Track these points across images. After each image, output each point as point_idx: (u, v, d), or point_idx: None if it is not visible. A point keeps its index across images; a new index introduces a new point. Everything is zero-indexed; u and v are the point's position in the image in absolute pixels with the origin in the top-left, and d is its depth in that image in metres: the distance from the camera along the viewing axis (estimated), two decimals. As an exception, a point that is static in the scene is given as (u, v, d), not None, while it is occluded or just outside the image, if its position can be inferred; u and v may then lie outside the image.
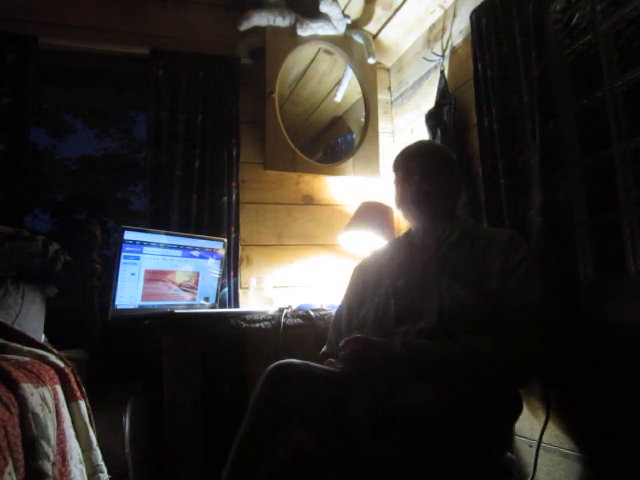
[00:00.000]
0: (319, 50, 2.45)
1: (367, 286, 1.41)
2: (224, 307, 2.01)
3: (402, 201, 1.38)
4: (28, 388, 1.05)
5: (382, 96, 2.54)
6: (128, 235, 1.70)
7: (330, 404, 1.01)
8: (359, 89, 2.48)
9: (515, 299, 1.15)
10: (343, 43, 2.41)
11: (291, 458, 0.96)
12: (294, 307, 1.84)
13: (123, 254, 1.68)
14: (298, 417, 0.98)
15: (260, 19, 2.21)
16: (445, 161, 1.38)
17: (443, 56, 2.04)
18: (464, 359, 1.06)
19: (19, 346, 1.28)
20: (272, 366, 1.07)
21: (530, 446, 1.42)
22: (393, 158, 1.43)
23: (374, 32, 2.43)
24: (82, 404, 1.28)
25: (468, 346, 1.08)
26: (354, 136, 2.54)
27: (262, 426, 1.00)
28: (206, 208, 2.06)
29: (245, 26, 2.20)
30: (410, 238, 1.42)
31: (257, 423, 1.01)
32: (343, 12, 2.32)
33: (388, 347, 1.09)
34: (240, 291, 2.11)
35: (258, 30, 2.25)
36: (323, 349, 1.45)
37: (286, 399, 1.01)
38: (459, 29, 1.97)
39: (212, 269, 1.95)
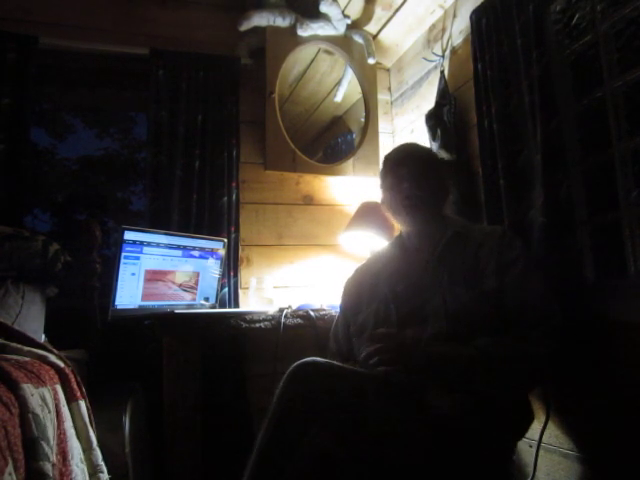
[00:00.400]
0: (319, 50, 2.45)
1: (363, 294, 1.40)
2: (224, 307, 2.01)
3: (393, 208, 1.37)
4: (28, 388, 1.05)
5: (382, 96, 2.54)
6: (128, 235, 1.70)
7: (353, 406, 1.00)
8: (359, 89, 2.48)
9: (518, 297, 1.15)
10: (343, 43, 2.41)
11: (316, 460, 0.95)
12: (294, 307, 1.84)
13: (123, 254, 1.68)
14: (322, 419, 0.98)
15: (260, 19, 2.21)
16: (433, 163, 1.39)
17: (443, 56, 2.04)
18: (481, 363, 1.06)
19: (19, 346, 1.28)
20: (295, 365, 1.06)
21: (530, 446, 1.42)
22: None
23: (374, 32, 2.43)
24: (82, 404, 1.28)
25: (483, 349, 1.08)
26: (354, 136, 2.54)
27: (286, 427, 0.99)
28: (206, 208, 2.06)
29: (245, 26, 2.20)
30: (402, 241, 1.42)
31: (280, 424, 1.00)
32: (343, 12, 2.32)
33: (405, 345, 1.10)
34: (240, 291, 2.11)
35: (258, 30, 2.25)
36: None
37: (310, 400, 1.00)
38: (459, 29, 1.97)
39: (212, 269, 1.95)
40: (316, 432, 0.96)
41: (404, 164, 1.35)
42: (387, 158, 1.41)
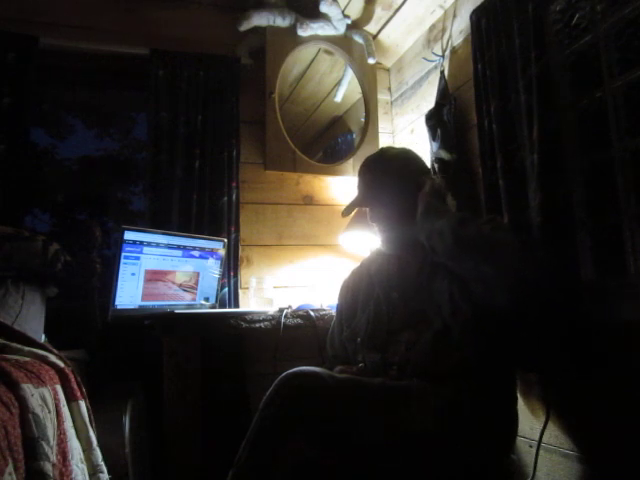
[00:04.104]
0: (319, 50, 2.45)
1: (358, 298, 1.40)
2: (224, 307, 2.01)
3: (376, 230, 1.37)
4: (28, 388, 1.06)
5: (382, 96, 2.54)
6: (128, 235, 1.70)
7: (339, 417, 1.00)
8: (359, 89, 2.48)
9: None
10: (343, 43, 2.41)
11: (298, 465, 0.95)
12: (294, 307, 1.84)
13: (123, 254, 1.68)
14: (307, 430, 0.98)
15: (260, 19, 2.21)
16: (398, 181, 1.29)
17: (443, 56, 2.05)
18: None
19: (19, 346, 1.28)
20: (284, 375, 1.06)
21: (530, 446, 1.42)
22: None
23: (374, 32, 2.43)
24: (82, 404, 1.28)
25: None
26: (354, 136, 2.54)
27: (270, 435, 1.00)
28: (206, 208, 2.06)
29: (245, 26, 2.21)
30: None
31: (265, 432, 1.01)
32: (343, 12, 2.32)
33: None
34: (240, 291, 2.11)
35: (258, 30, 2.25)
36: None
37: (295, 412, 1.00)
38: (459, 29, 1.97)
39: (212, 269, 1.95)
40: (300, 440, 0.96)
41: (368, 199, 1.34)
42: (359, 178, 1.40)
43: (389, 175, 1.30)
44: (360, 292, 1.40)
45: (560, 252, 1.40)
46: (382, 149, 1.47)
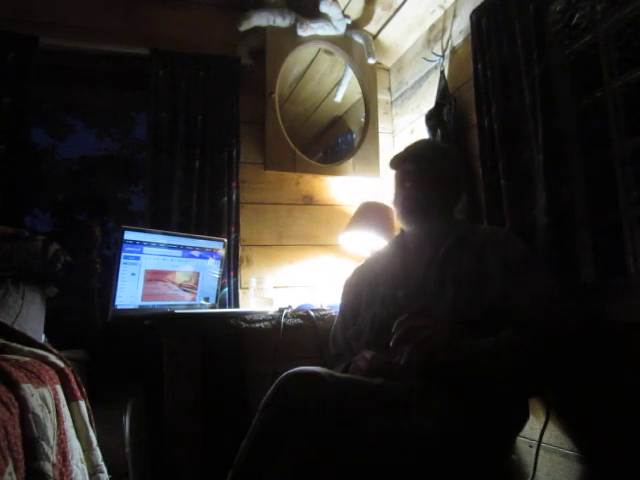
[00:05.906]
0: (319, 50, 2.45)
1: (361, 297, 1.39)
2: (224, 307, 2.01)
3: (395, 204, 1.37)
4: (28, 389, 1.06)
5: (382, 96, 2.54)
6: (128, 235, 1.70)
7: (339, 418, 1.00)
8: (359, 89, 2.48)
9: (522, 298, 1.14)
10: (343, 43, 2.41)
11: (298, 465, 0.95)
12: (294, 307, 1.84)
13: (123, 254, 1.68)
14: (307, 430, 0.98)
15: (260, 19, 2.21)
16: (442, 163, 1.33)
17: (443, 56, 2.05)
18: (506, 344, 1.08)
19: (19, 346, 1.28)
20: (284, 376, 1.05)
21: (530, 446, 1.42)
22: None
23: (374, 32, 2.43)
24: (82, 404, 1.28)
25: (501, 339, 1.09)
26: (354, 136, 2.54)
27: (270, 436, 1.00)
28: (206, 208, 2.06)
29: (245, 26, 2.21)
30: (404, 241, 1.40)
31: (265, 432, 1.00)
32: (343, 12, 2.32)
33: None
34: (240, 291, 2.11)
35: (258, 30, 2.25)
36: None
37: (295, 412, 0.99)
38: (459, 29, 1.98)
39: (212, 269, 1.95)
40: (300, 441, 0.96)
41: (412, 160, 1.33)
42: (399, 152, 1.39)
43: (457, 171, 1.37)
44: (363, 291, 1.40)
45: (567, 252, 1.39)
46: (439, 143, 1.52)
